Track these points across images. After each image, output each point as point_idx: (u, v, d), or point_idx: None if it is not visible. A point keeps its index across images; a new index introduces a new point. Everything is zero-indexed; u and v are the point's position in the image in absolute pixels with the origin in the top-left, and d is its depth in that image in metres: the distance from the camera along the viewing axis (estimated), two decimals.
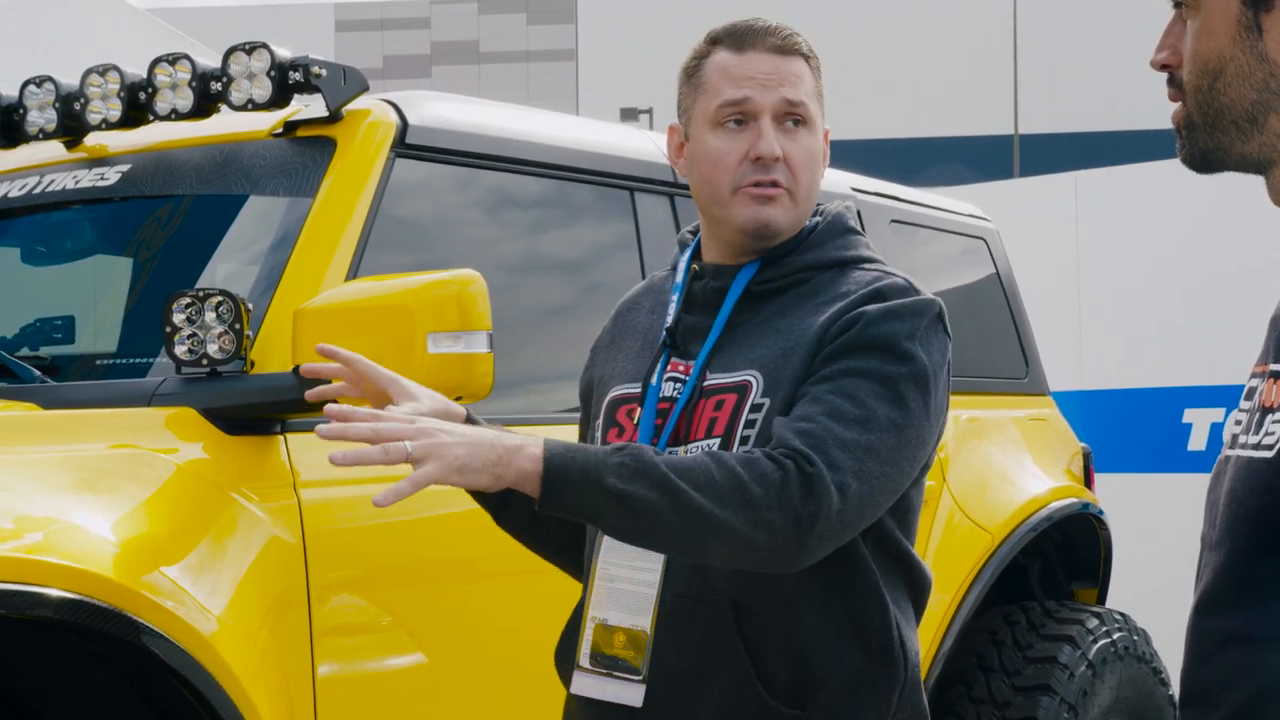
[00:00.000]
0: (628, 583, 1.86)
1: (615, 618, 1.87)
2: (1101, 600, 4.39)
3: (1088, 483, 4.41)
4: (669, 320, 1.93)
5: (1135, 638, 4.10)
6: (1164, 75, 1.38)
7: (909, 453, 1.81)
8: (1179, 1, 1.35)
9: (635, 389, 1.92)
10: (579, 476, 1.66)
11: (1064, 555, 4.37)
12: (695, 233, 2.01)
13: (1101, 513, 4.30)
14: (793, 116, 1.90)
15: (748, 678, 1.80)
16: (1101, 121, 32.25)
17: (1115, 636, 4.02)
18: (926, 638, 3.70)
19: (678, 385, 1.88)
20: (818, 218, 1.98)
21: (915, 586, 1.95)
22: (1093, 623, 4.01)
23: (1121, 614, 4.17)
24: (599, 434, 1.95)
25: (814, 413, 1.76)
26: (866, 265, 1.95)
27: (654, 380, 1.90)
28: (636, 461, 1.68)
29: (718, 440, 1.83)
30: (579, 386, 2.08)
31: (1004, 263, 4.41)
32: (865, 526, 1.81)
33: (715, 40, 1.94)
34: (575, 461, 1.67)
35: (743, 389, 1.84)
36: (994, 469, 4.03)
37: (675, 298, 1.94)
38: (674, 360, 1.90)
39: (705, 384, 1.86)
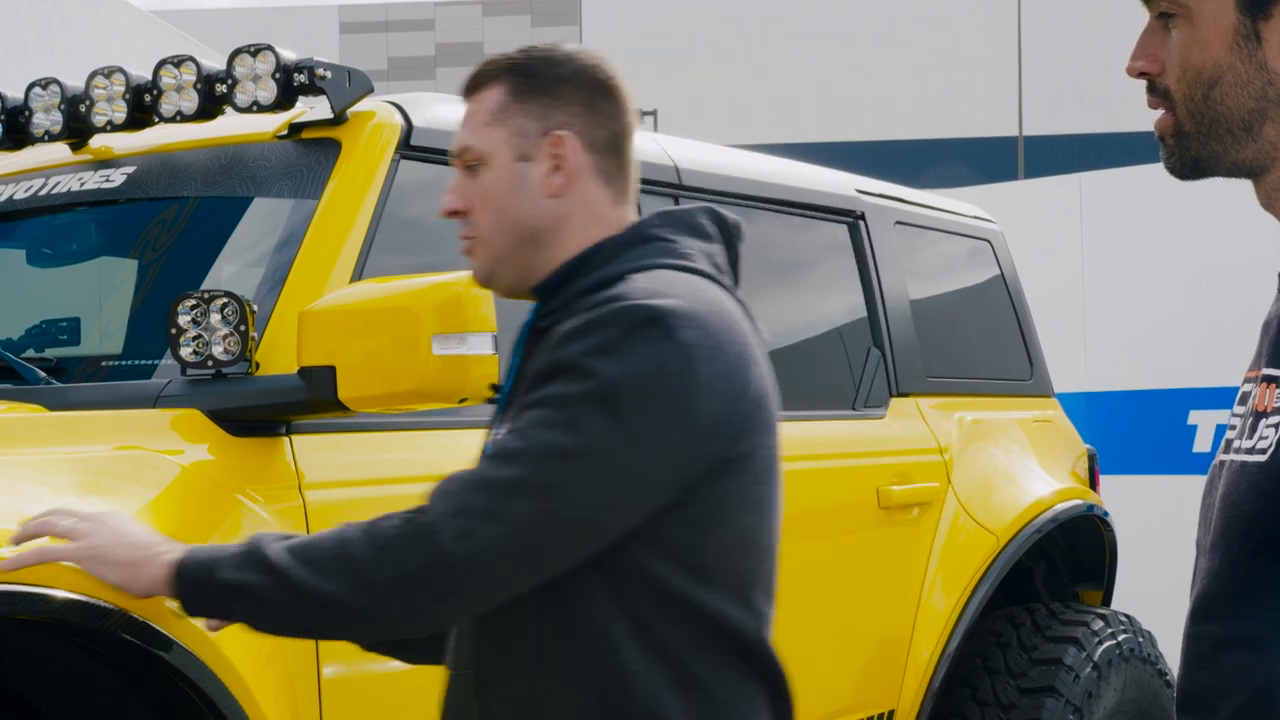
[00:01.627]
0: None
1: None
2: (1107, 602, 4.38)
3: (1093, 484, 4.41)
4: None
5: (1140, 640, 4.10)
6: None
7: (592, 482, 1.56)
8: (1165, 12, 1.35)
9: None
10: (203, 574, 1.63)
11: (1069, 557, 4.37)
12: None
13: (1106, 514, 4.30)
14: (464, 162, 1.77)
15: None
16: (1106, 123, 32.23)
17: (1120, 638, 4.02)
18: (931, 640, 3.70)
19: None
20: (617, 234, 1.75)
21: (745, 661, 1.67)
22: (1098, 624, 4.01)
23: (1127, 616, 4.17)
24: None
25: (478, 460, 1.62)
26: (624, 280, 1.66)
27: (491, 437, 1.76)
28: (250, 547, 1.61)
29: None
30: None
31: (1008, 264, 4.41)
32: (538, 575, 1.58)
33: None
34: (200, 561, 1.64)
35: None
36: (999, 471, 4.02)
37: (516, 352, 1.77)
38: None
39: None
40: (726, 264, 1.77)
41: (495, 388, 1.88)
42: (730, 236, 1.79)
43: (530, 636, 1.63)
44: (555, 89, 1.74)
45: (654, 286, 1.62)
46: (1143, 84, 1.39)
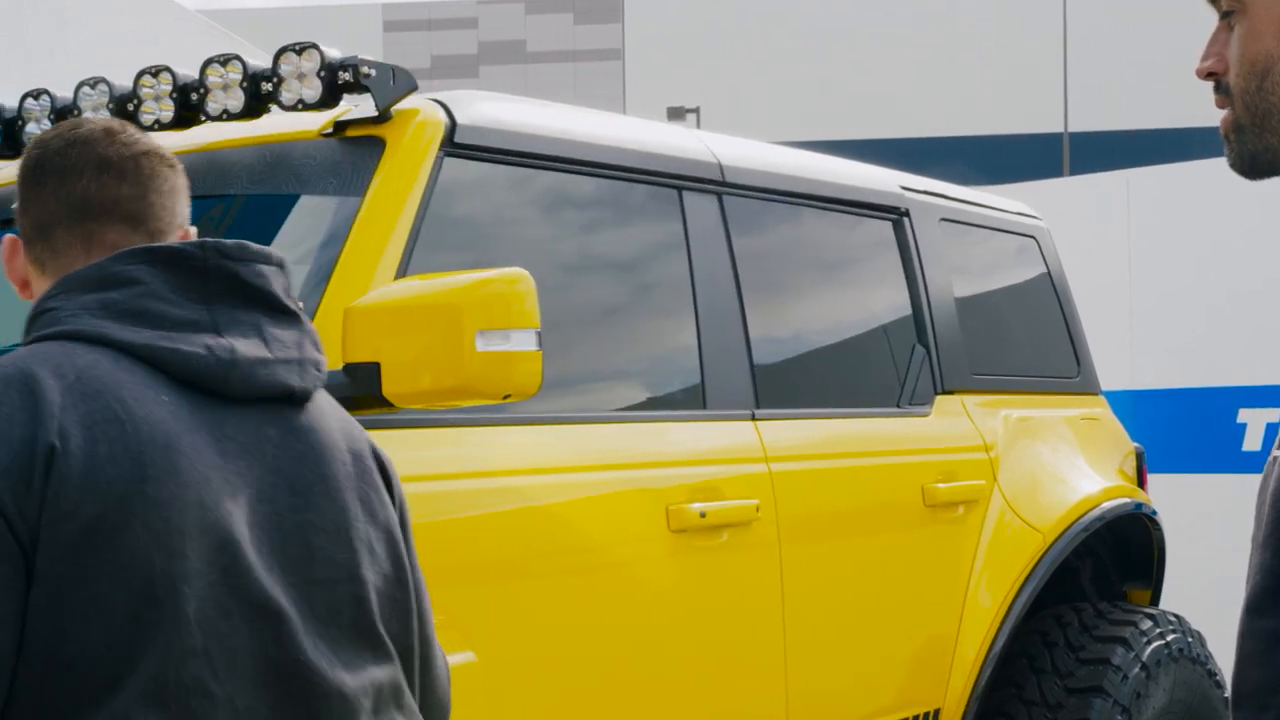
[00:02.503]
0: None
1: None
2: (1155, 602, 4.35)
3: (1141, 483, 4.37)
4: None
5: (1189, 640, 4.06)
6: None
7: None
8: (1226, 10, 1.35)
9: None
10: None
11: (1117, 556, 4.33)
12: None
13: (1155, 513, 4.26)
14: None
15: None
16: (1153, 119, 32.00)
17: (1169, 638, 3.98)
18: (977, 639, 3.67)
19: None
20: None
21: None
22: (1146, 624, 3.97)
23: (1175, 615, 4.13)
24: None
25: None
26: None
27: None
28: None
29: None
30: None
31: (1055, 262, 4.38)
32: None
33: None
34: None
35: None
36: (1045, 469, 4.00)
37: None
38: None
39: None
40: (187, 297, 1.58)
41: None
42: (189, 265, 1.60)
43: None
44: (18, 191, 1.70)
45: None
46: (1192, 80, 1.39)
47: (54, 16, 7.32)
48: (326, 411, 1.66)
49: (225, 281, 1.61)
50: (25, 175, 1.68)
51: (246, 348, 1.58)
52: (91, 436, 1.45)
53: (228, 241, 1.64)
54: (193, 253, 1.61)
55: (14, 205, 1.70)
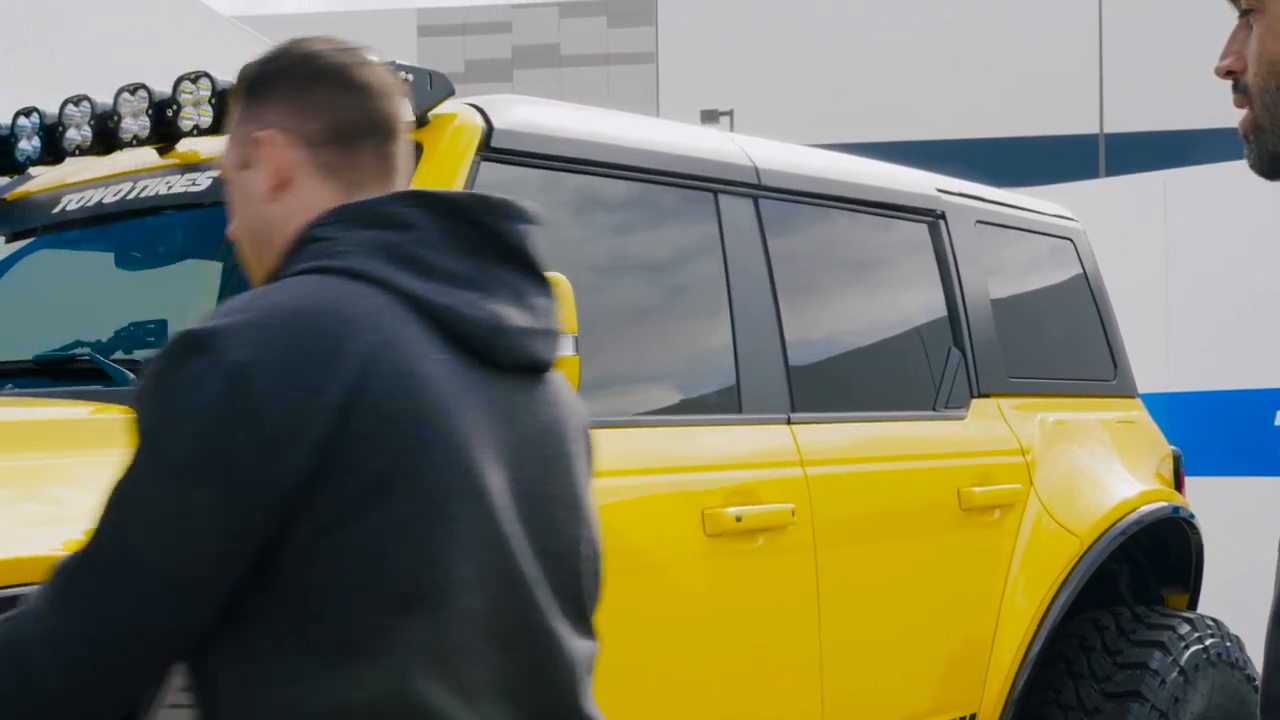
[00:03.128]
0: None
1: None
2: (1193, 606, 4.32)
3: (1178, 486, 4.35)
4: None
5: (1228, 644, 4.03)
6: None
7: (153, 533, 1.40)
8: (1245, 9, 1.34)
9: None
10: None
11: (1154, 560, 4.31)
12: None
13: (1193, 517, 4.24)
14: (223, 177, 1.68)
15: None
16: (1189, 119, 31.79)
17: (1208, 643, 3.96)
18: (1014, 643, 3.66)
19: None
20: None
21: None
22: (1184, 629, 3.95)
23: (1214, 620, 4.10)
24: None
25: None
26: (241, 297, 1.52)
27: None
28: None
29: None
30: None
31: (1091, 263, 4.36)
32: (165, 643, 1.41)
33: None
34: None
35: None
36: (1082, 472, 3.98)
37: None
38: None
39: None
40: (455, 250, 1.54)
41: None
42: (464, 217, 1.56)
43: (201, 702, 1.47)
44: (263, 86, 1.61)
45: (240, 302, 1.47)
46: (1228, 81, 1.38)
47: (95, 22, 7.40)
48: (561, 384, 1.64)
49: (494, 238, 1.57)
50: (322, 73, 1.59)
51: (513, 315, 1.55)
52: (383, 388, 1.42)
53: (495, 196, 1.60)
54: (468, 204, 1.57)
55: (276, 100, 1.59)
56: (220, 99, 2.89)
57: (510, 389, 1.55)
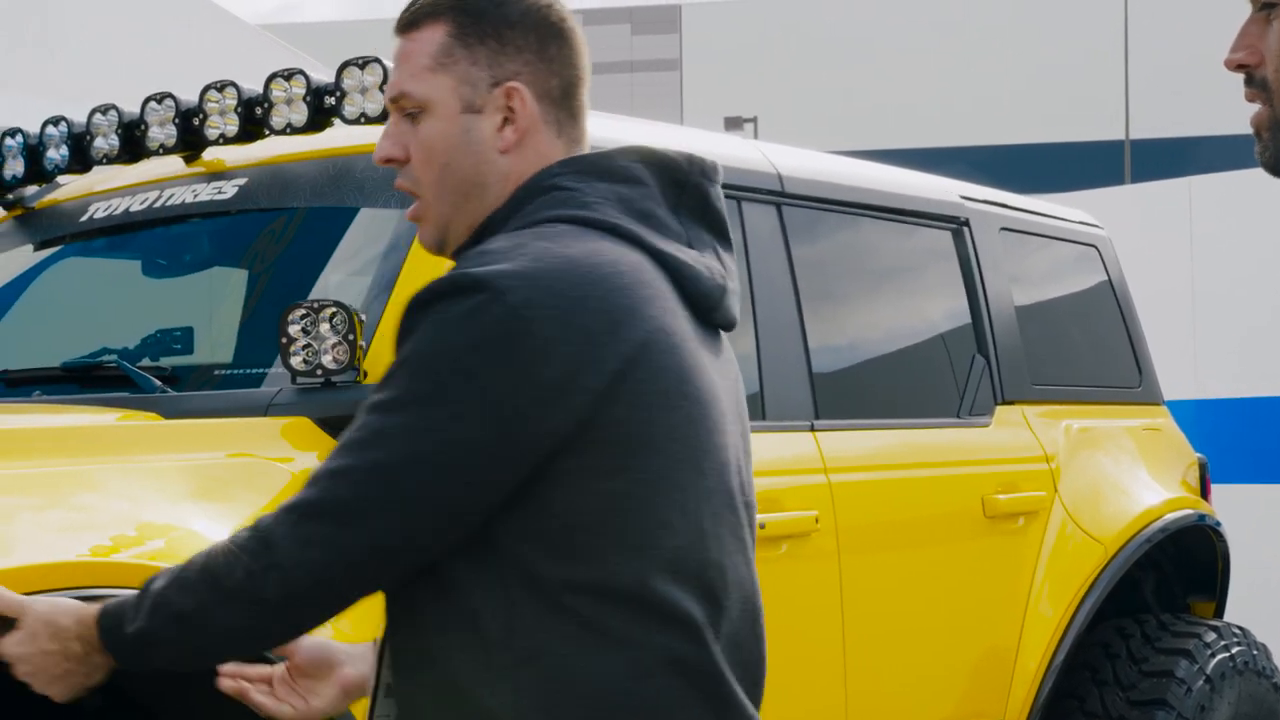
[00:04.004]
0: None
1: None
2: (1219, 614, 4.30)
3: (1204, 494, 4.33)
4: None
5: (1255, 652, 4.01)
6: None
7: (405, 448, 1.45)
8: (1267, 3, 1.32)
9: None
10: (123, 640, 1.54)
11: (1180, 568, 4.29)
12: None
13: (1219, 524, 4.22)
14: (400, 110, 1.62)
15: None
16: (1215, 125, 31.64)
17: (1234, 651, 3.94)
18: (1039, 651, 3.65)
19: None
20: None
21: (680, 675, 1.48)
22: (1210, 637, 3.93)
23: (1240, 628, 4.08)
24: None
25: None
26: (492, 240, 1.55)
27: None
28: (141, 594, 1.54)
29: None
30: None
31: (1116, 270, 4.35)
32: (408, 552, 1.47)
33: None
34: (116, 624, 1.54)
35: None
36: (1107, 479, 3.96)
37: None
38: None
39: None
40: (667, 207, 1.59)
41: None
42: (674, 176, 1.60)
43: (417, 625, 1.52)
44: (504, 32, 1.59)
45: (505, 246, 1.48)
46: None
47: (119, 27, 7.45)
48: (727, 344, 1.69)
49: (698, 199, 1.61)
50: (557, 31, 1.61)
51: (722, 275, 1.61)
52: (657, 347, 1.48)
53: (701, 156, 1.63)
54: (680, 163, 1.61)
55: (516, 50, 1.59)
56: (247, 108, 2.90)
57: (715, 347, 1.61)
